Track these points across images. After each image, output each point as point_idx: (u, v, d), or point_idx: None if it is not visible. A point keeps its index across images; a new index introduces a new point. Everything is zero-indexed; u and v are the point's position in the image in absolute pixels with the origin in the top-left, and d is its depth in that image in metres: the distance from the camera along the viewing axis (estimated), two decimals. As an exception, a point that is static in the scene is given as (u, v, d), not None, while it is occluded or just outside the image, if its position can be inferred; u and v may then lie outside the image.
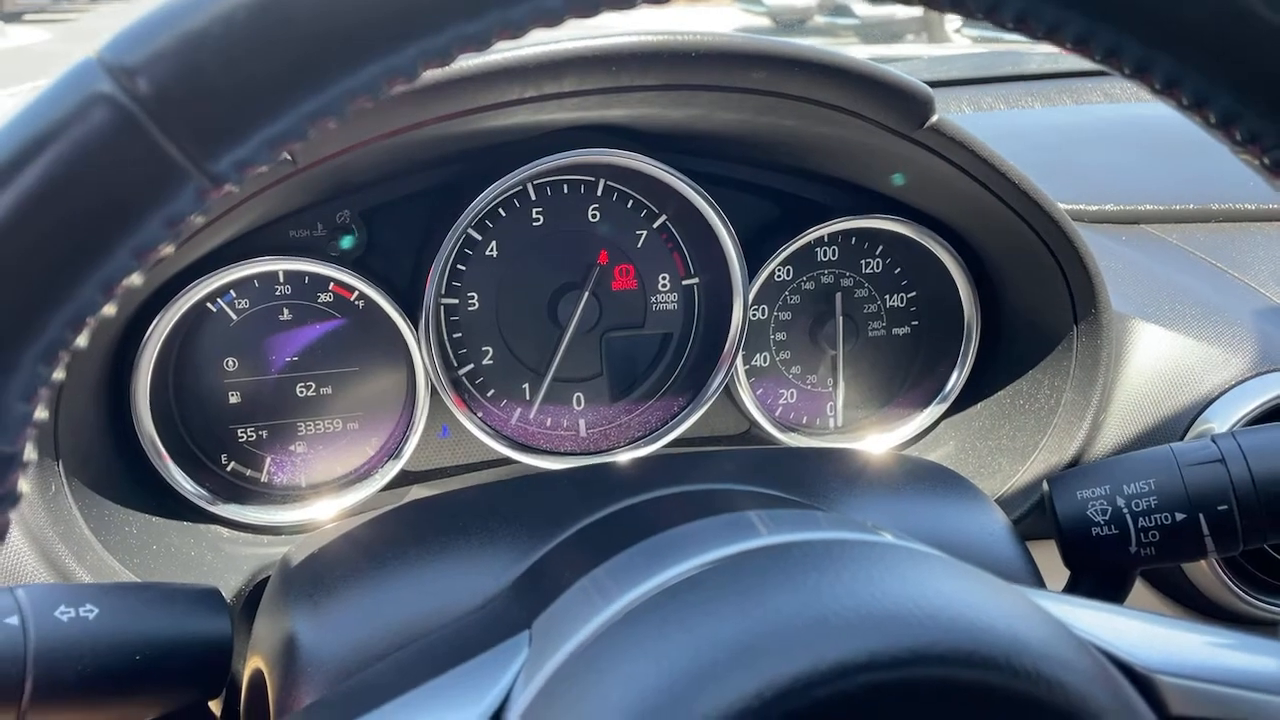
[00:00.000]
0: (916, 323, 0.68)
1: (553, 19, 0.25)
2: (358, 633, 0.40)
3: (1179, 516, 0.46)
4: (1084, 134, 0.84)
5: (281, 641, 0.41)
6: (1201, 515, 0.46)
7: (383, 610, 0.40)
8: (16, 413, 0.24)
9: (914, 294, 0.68)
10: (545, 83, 0.45)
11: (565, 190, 0.62)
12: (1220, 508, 0.45)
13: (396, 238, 0.60)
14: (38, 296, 0.24)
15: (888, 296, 0.67)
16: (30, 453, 0.25)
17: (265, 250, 0.57)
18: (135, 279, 0.25)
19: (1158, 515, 0.46)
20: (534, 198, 0.62)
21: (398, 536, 0.45)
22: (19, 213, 0.23)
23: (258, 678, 0.42)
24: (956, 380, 0.65)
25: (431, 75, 0.45)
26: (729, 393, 0.65)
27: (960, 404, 0.66)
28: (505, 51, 0.43)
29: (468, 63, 0.44)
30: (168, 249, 0.25)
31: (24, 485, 0.25)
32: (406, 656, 0.37)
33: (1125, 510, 0.47)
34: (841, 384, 0.67)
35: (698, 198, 0.60)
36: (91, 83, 0.23)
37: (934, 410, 0.66)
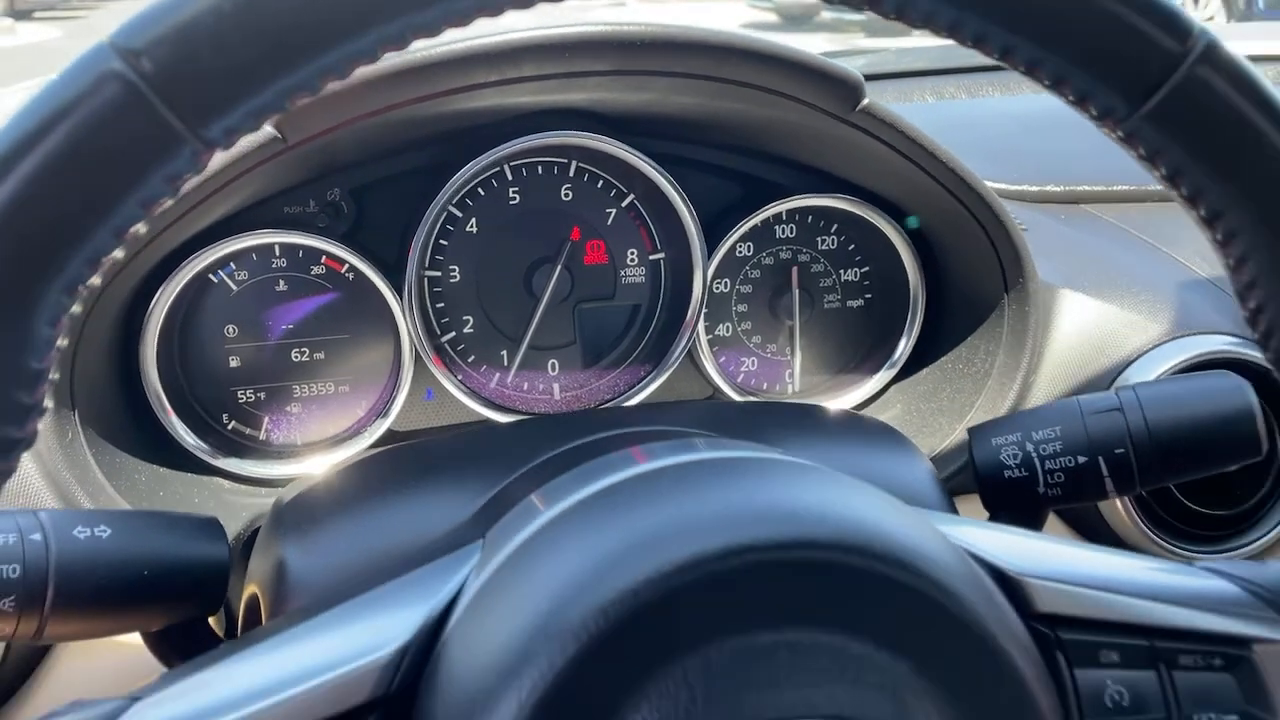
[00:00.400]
0: (869, 295, 0.73)
1: (494, 10, 0.30)
2: (340, 558, 0.45)
3: (1081, 459, 0.51)
4: (1038, 121, 0.89)
5: (274, 567, 0.46)
6: (1101, 458, 0.51)
7: (362, 539, 0.46)
8: (44, 335, 0.29)
9: (866, 269, 0.72)
10: (506, 67, 0.50)
11: (540, 171, 0.67)
12: (1118, 451, 0.50)
13: (384, 214, 0.66)
14: (61, 239, 0.29)
15: (842, 271, 0.72)
16: (54, 372, 0.30)
17: (262, 225, 0.62)
18: (140, 227, 0.30)
19: (1063, 458, 0.51)
20: (510, 178, 0.67)
21: (377, 477, 0.50)
22: (45, 170, 0.28)
23: (253, 601, 0.47)
24: (904, 348, 0.70)
25: (402, 60, 0.50)
26: (694, 361, 0.70)
27: (907, 370, 0.71)
28: (468, 39, 0.48)
29: (434, 49, 0.49)
30: (168, 202, 0.30)
31: (48, 401, 0.30)
32: (377, 570, 0.42)
33: (1034, 454, 0.52)
34: (798, 352, 0.72)
35: (660, 178, 0.65)
36: (104, 62, 0.28)
37: (883, 376, 0.71)
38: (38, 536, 0.42)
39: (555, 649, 0.30)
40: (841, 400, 0.71)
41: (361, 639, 0.34)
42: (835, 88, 0.54)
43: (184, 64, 0.28)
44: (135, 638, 0.46)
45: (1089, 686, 0.37)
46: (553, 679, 0.30)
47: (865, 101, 0.55)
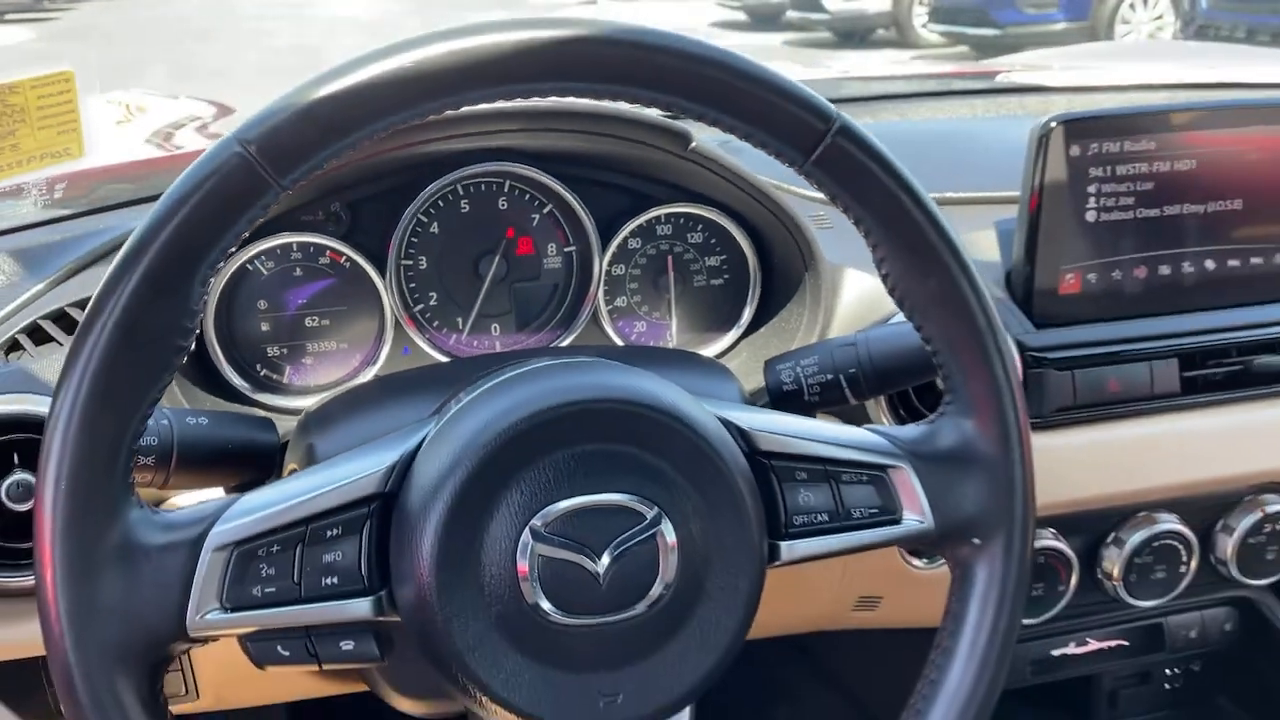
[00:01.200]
0: (727, 276, 0.99)
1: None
2: (349, 440, 0.71)
3: (829, 377, 0.78)
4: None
5: (305, 449, 0.72)
6: (841, 376, 0.78)
7: (363, 427, 0.71)
8: (199, 292, 0.54)
9: (724, 257, 0.99)
10: (447, 125, 0.77)
11: (483, 188, 0.93)
12: (851, 371, 0.77)
13: (372, 220, 0.91)
14: (209, 239, 0.53)
15: (706, 258, 0.99)
16: (202, 311, 0.56)
17: (284, 228, 0.88)
18: (246, 234, 0.56)
19: (818, 377, 0.78)
20: (462, 194, 0.92)
21: (372, 393, 0.77)
22: (201, 204, 0.53)
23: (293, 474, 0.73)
24: (747, 314, 0.97)
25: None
26: (598, 325, 0.97)
27: (751, 329, 0.97)
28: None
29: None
30: (260, 220, 0.56)
31: (197, 331, 0.56)
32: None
33: (801, 375, 0.79)
34: (675, 318, 0.98)
35: (568, 194, 0.91)
36: (230, 147, 0.53)
37: (734, 334, 0.97)
38: (165, 421, 0.68)
39: (472, 457, 0.56)
40: (704, 352, 0.98)
41: (369, 461, 0.59)
42: (670, 135, 0.81)
43: (273, 147, 0.53)
44: (220, 491, 0.72)
45: (790, 493, 0.63)
46: (471, 471, 0.56)
47: (694, 144, 0.82)
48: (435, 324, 0.94)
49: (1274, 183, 0.93)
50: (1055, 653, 1.01)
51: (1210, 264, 0.94)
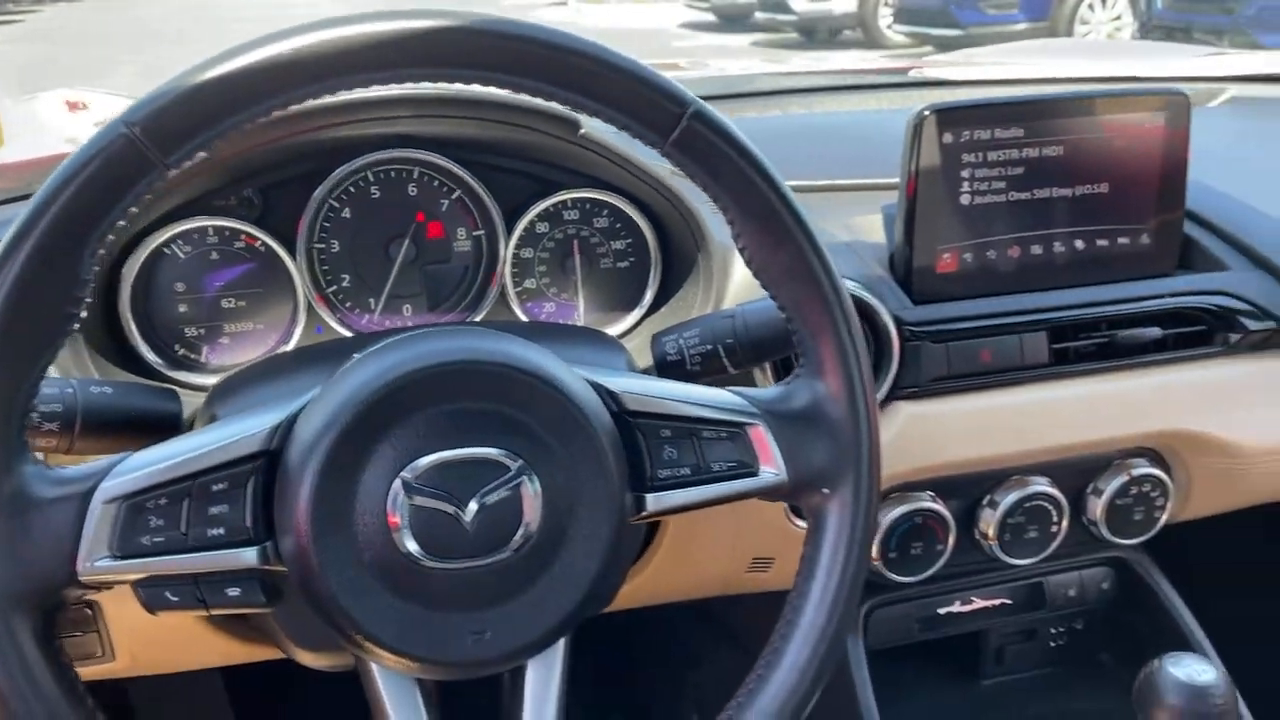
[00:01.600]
0: (632, 259, 1.04)
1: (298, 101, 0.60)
2: (251, 405, 0.75)
3: (709, 348, 0.83)
4: (778, 134, 1.21)
5: (209, 419, 0.76)
6: (719, 346, 0.83)
7: (262, 396, 0.76)
8: (88, 264, 0.59)
9: (629, 240, 1.04)
10: (349, 111, 0.81)
11: (393, 174, 0.97)
12: (729, 341, 0.83)
13: (284, 205, 0.95)
14: (95, 217, 0.58)
15: (612, 242, 1.04)
16: (93, 281, 0.60)
17: (199, 213, 0.92)
18: (134, 210, 0.60)
19: (699, 348, 0.83)
20: (372, 179, 0.97)
21: (275, 365, 0.81)
22: (88, 182, 0.57)
23: None
24: (649, 295, 1.02)
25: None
26: (507, 306, 1.02)
27: (652, 309, 1.03)
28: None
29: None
30: (148, 197, 0.61)
31: (88, 300, 0.60)
32: None
33: (684, 346, 0.84)
34: (582, 300, 1.04)
35: (473, 180, 0.96)
36: (117, 129, 0.58)
37: (637, 314, 1.02)
38: (70, 390, 0.72)
39: (346, 414, 0.61)
40: (609, 330, 1.03)
41: (255, 421, 0.64)
42: (559, 122, 0.86)
43: (157, 128, 0.57)
44: (126, 457, 0.76)
45: (656, 449, 0.68)
46: (345, 427, 0.61)
47: (583, 130, 0.87)
48: (348, 305, 0.99)
49: (1137, 167, 1.00)
50: (941, 611, 1.07)
51: (1079, 243, 1.01)
